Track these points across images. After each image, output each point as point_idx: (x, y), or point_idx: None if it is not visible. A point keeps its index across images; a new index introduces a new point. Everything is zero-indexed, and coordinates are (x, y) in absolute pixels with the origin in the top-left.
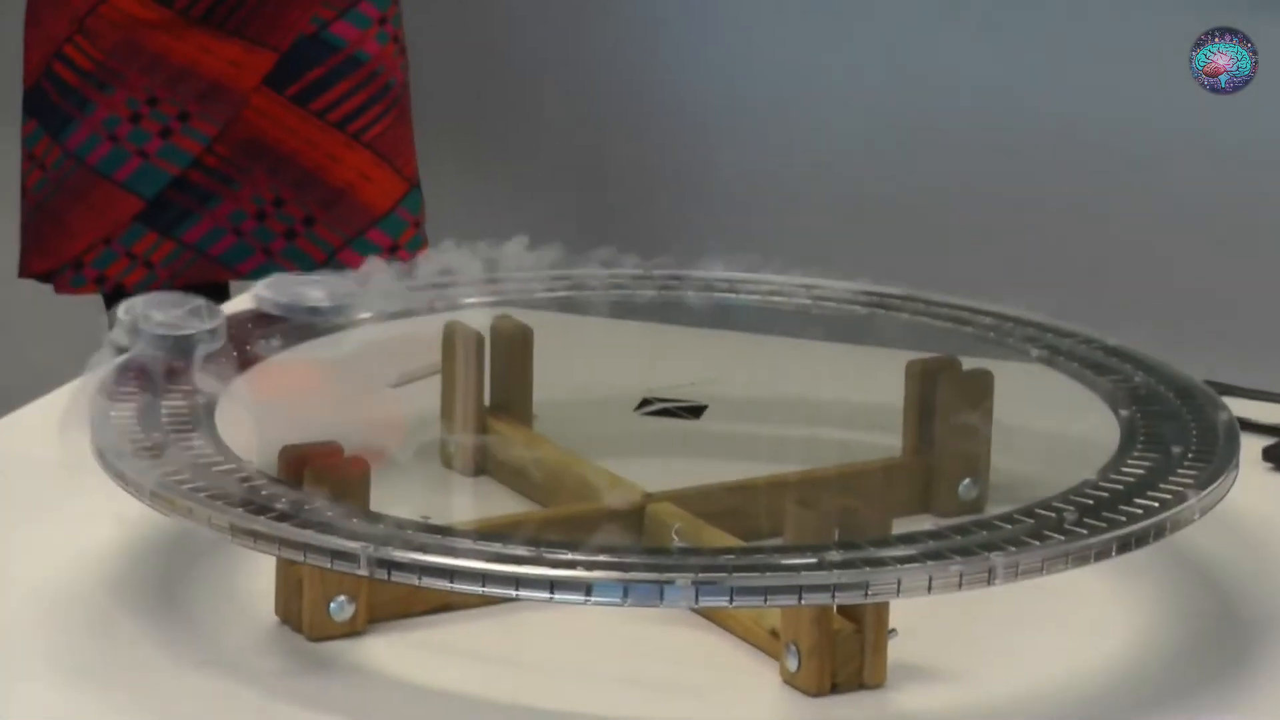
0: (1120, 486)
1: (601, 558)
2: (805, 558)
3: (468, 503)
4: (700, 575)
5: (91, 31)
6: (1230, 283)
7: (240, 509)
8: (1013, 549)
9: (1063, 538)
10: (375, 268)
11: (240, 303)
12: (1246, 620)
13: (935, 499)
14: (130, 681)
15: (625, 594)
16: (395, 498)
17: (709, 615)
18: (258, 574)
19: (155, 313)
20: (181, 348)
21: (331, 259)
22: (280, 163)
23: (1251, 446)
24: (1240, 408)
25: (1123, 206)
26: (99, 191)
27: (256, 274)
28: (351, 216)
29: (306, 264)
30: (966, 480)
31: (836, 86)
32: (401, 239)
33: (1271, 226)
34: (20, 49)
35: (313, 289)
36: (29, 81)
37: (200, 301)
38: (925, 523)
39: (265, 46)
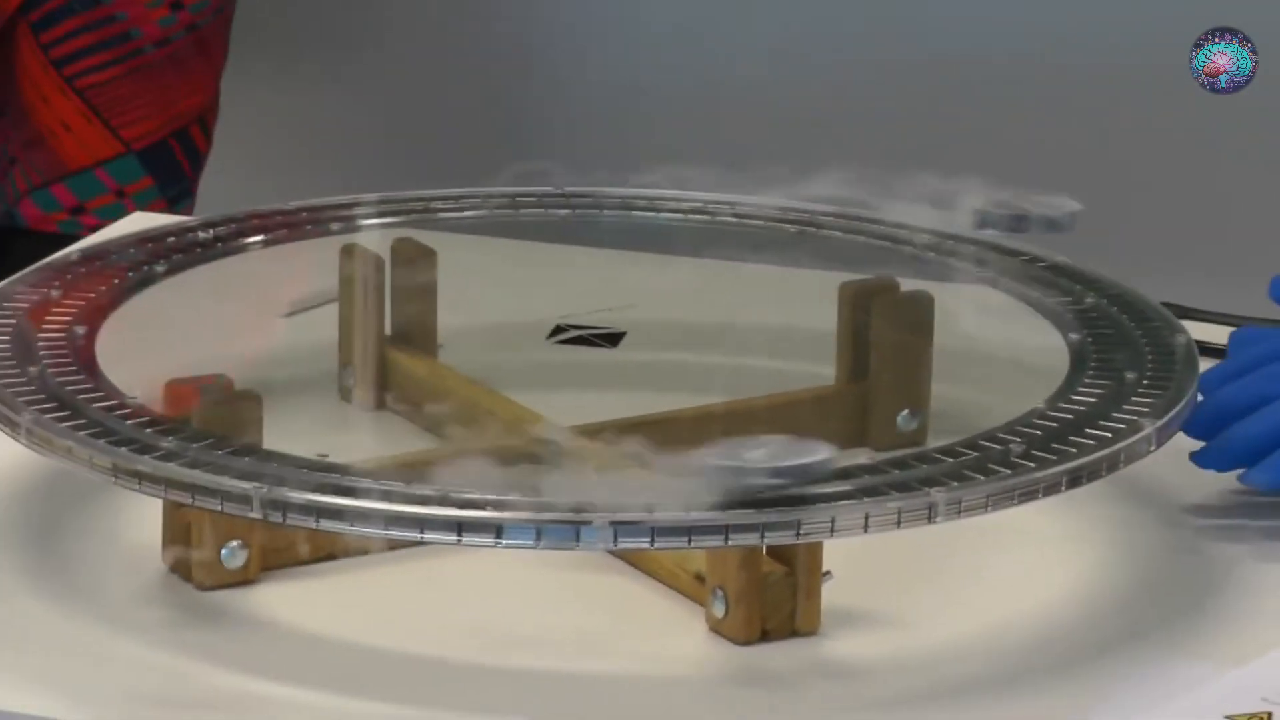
0: (1070, 416)
1: (512, 497)
2: (731, 494)
3: (367, 440)
4: (619, 515)
5: None
6: (1189, 201)
7: (124, 448)
8: (955, 484)
9: (1009, 471)
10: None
11: (125, 225)
12: (1205, 558)
13: (871, 431)
14: (4, 636)
15: (538, 536)
16: (289, 434)
17: (629, 559)
18: (142, 519)
19: None
20: None
21: (9, 206)
22: (10, 94)
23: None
24: (1199, 331)
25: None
26: None
27: None
28: (43, 166)
29: None
30: (905, 411)
31: None
32: (91, 202)
33: (1232, 144)
34: None
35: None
36: None
37: None
38: (861, 457)
39: None
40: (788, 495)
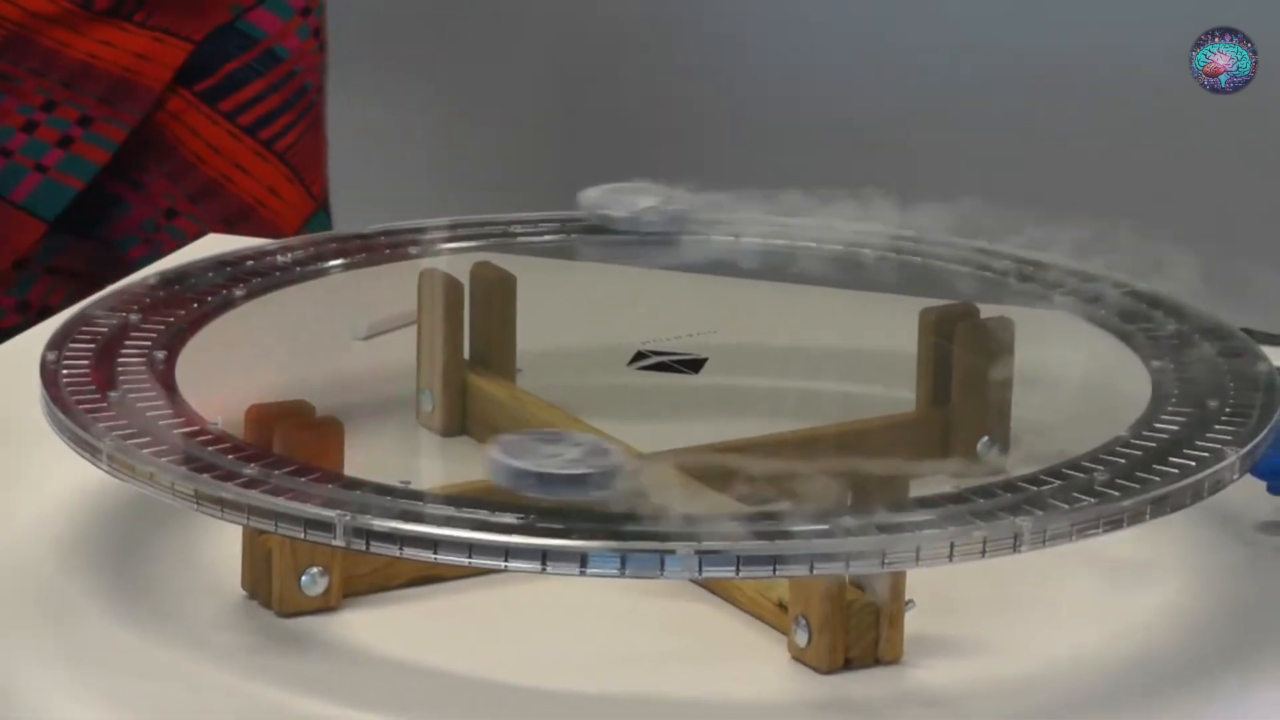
0: (1154, 444)
1: (597, 525)
2: (816, 524)
3: (446, 465)
4: (703, 544)
5: None
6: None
7: (206, 474)
8: (1040, 512)
9: (1094, 500)
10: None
11: (201, 248)
12: None
13: (953, 459)
14: (83, 662)
15: (623, 564)
16: (368, 460)
17: (712, 587)
18: (221, 544)
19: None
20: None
21: None
22: (183, 169)
23: None
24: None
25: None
26: None
27: None
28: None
29: None
30: (986, 438)
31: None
32: None
33: None
34: None
35: (644, 196)
36: None
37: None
38: (944, 485)
39: (178, 37)
40: (874, 524)
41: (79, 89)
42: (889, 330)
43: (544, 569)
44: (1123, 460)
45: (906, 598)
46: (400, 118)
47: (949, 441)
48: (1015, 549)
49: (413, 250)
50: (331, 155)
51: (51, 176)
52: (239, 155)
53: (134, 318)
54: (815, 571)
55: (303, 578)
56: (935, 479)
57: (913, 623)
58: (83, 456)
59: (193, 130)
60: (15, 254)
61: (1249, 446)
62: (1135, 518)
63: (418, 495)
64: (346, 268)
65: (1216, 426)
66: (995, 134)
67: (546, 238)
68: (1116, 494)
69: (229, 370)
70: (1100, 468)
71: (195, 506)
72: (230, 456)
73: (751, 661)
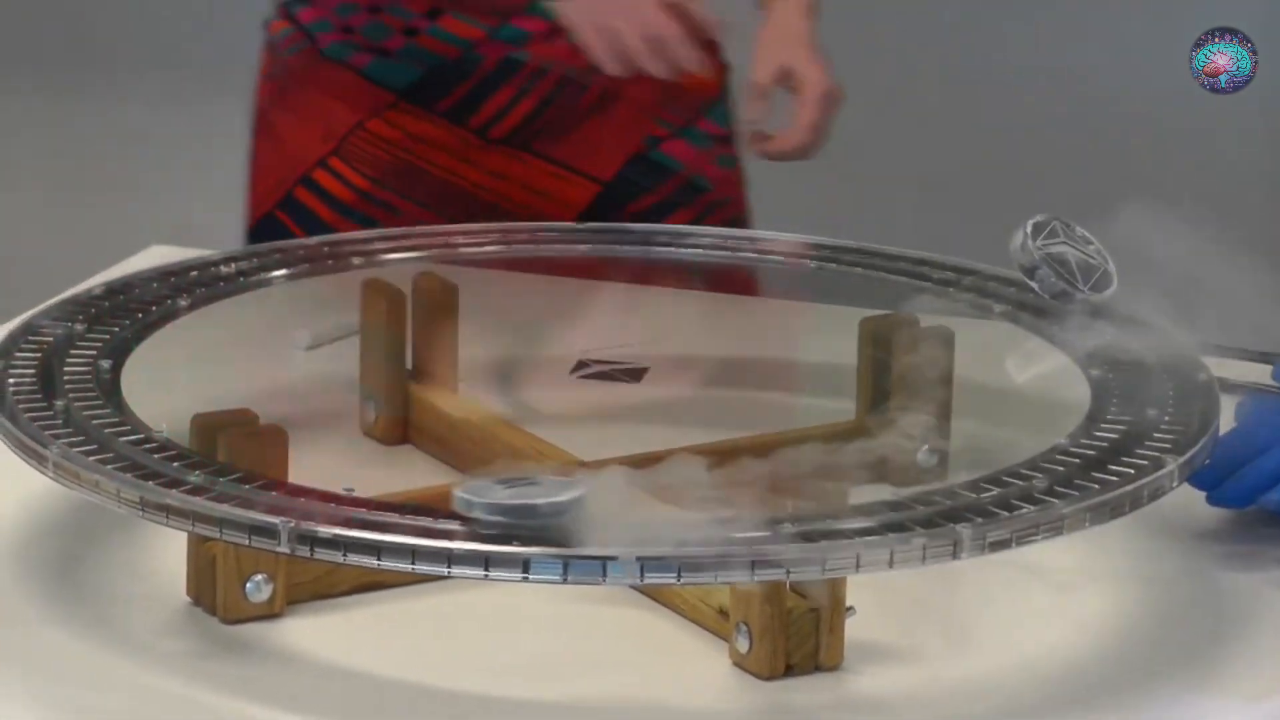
0: (1093, 452)
1: (539, 532)
2: (757, 530)
3: (389, 473)
4: (644, 551)
5: (353, 153)
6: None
7: (151, 482)
8: (979, 519)
9: (1033, 507)
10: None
11: (143, 260)
12: (1224, 588)
13: (893, 466)
14: (30, 668)
15: (565, 571)
16: (312, 468)
17: (653, 594)
18: (167, 553)
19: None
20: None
21: None
22: None
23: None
24: (1220, 368)
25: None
26: None
27: None
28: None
29: None
30: (925, 446)
31: None
32: None
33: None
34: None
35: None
36: (254, 220)
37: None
38: (883, 492)
39: (583, 175)
40: (809, 531)
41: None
42: (828, 341)
43: (487, 575)
44: (1062, 468)
45: (847, 604)
46: None
47: (889, 449)
48: (955, 556)
49: (355, 261)
50: None
51: None
52: None
53: (79, 327)
54: (756, 578)
55: (247, 584)
56: (875, 487)
57: (853, 629)
58: (29, 464)
59: None
60: None
61: (1188, 454)
62: (1074, 525)
63: (362, 502)
64: (290, 278)
65: (1156, 435)
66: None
67: (489, 248)
68: (1056, 501)
69: (174, 379)
70: (1040, 475)
71: (140, 513)
72: (175, 464)
73: (693, 668)
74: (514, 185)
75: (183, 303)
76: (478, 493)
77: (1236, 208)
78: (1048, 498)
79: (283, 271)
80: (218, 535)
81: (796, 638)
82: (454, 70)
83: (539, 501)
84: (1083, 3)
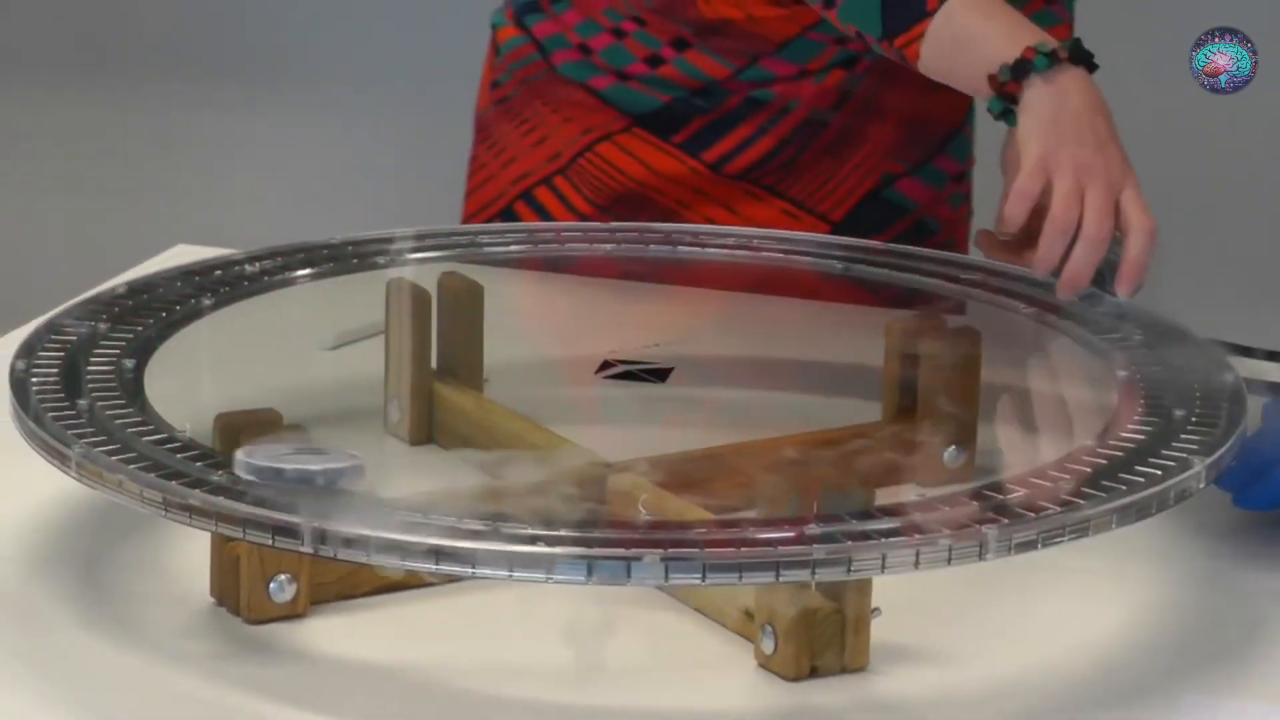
0: (1120, 453)
1: (563, 533)
2: (782, 531)
3: (413, 474)
4: (669, 551)
5: (580, 175)
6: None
7: (175, 481)
8: (1006, 521)
9: (1059, 509)
10: None
11: (168, 259)
12: (1252, 594)
13: (919, 467)
14: (54, 669)
15: (590, 572)
16: None
17: (678, 595)
18: (190, 553)
19: None
20: None
21: None
22: None
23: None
24: (1247, 368)
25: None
26: None
27: None
28: None
29: None
30: (952, 447)
31: None
32: None
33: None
34: None
35: None
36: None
37: None
38: (909, 493)
39: (814, 214)
40: (834, 532)
41: None
42: (855, 342)
43: (511, 575)
44: (1089, 469)
45: (873, 606)
46: None
47: (915, 451)
48: (981, 557)
49: (380, 260)
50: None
51: None
52: None
53: (103, 327)
54: (781, 579)
55: (270, 585)
56: (901, 487)
57: (879, 630)
58: (52, 464)
59: None
60: None
61: (1215, 455)
62: (1101, 526)
63: (386, 502)
64: (314, 278)
65: (1183, 436)
66: None
67: (514, 248)
68: (1082, 502)
69: (197, 379)
70: (1066, 476)
71: (163, 513)
72: (198, 464)
73: (718, 669)
74: (742, 221)
75: (206, 302)
76: (256, 455)
77: (1241, 208)
78: (1074, 499)
79: (307, 271)
80: (241, 535)
81: (821, 639)
82: (695, 103)
83: (313, 468)
84: (1083, 3)
